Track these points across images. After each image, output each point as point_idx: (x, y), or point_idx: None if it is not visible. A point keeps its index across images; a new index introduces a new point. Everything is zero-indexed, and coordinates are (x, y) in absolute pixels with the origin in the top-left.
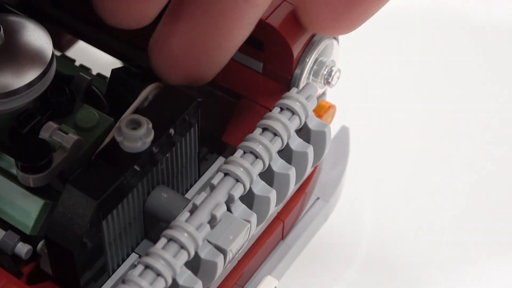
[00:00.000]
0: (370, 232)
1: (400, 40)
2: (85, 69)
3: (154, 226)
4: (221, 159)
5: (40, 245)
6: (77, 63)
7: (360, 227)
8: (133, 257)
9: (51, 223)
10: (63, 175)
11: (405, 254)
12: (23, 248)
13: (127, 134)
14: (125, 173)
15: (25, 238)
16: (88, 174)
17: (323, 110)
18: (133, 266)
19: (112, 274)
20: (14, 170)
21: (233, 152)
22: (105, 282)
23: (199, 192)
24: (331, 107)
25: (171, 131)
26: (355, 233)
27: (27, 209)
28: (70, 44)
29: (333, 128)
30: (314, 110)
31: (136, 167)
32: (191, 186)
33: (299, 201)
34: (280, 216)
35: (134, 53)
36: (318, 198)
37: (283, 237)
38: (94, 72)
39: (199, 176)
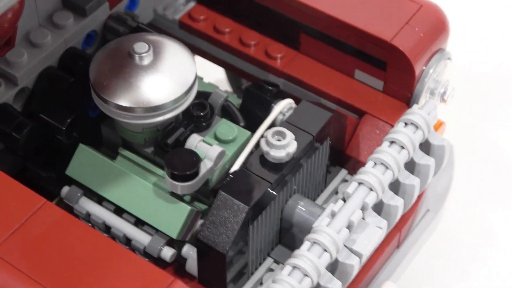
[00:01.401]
0: (472, 241)
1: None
2: (213, 86)
3: (288, 232)
4: (343, 172)
5: (186, 248)
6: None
7: (465, 236)
8: (269, 261)
9: (204, 227)
10: (206, 184)
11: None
12: (168, 252)
13: (274, 145)
14: (271, 182)
15: (169, 242)
16: (238, 182)
17: (434, 126)
18: (270, 269)
19: (251, 276)
20: (158, 179)
21: (355, 166)
22: (244, 284)
23: (326, 200)
24: (442, 124)
25: (311, 143)
26: (460, 243)
27: (175, 215)
28: None
29: None
30: None
31: (280, 176)
32: (318, 195)
33: (414, 212)
34: (397, 226)
35: (257, 72)
36: (428, 210)
37: (398, 246)
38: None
39: (325, 186)
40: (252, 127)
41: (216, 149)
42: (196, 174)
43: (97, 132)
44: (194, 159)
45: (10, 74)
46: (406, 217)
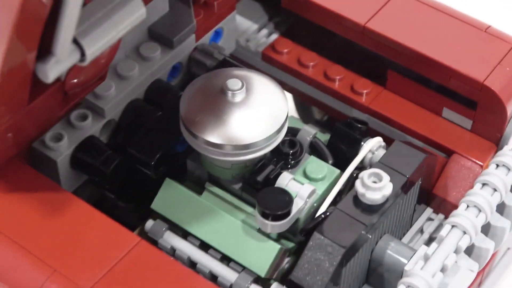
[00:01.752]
0: None
1: None
2: (299, 121)
3: (375, 272)
4: (429, 210)
5: (273, 287)
6: None
7: None
8: None
9: (297, 267)
10: (295, 223)
11: None
12: None
13: (370, 187)
14: (366, 224)
15: (255, 280)
16: (333, 223)
17: None
18: None
19: None
20: (246, 216)
21: (440, 205)
22: None
23: (412, 239)
24: None
25: (405, 185)
26: None
27: (263, 253)
28: None
29: None
30: None
31: (374, 219)
32: (405, 234)
33: (496, 252)
34: None
35: (342, 107)
36: (508, 248)
37: (480, 285)
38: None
39: (411, 225)
40: (339, 164)
41: (308, 188)
42: (288, 214)
43: (183, 167)
44: (287, 198)
45: (98, 107)
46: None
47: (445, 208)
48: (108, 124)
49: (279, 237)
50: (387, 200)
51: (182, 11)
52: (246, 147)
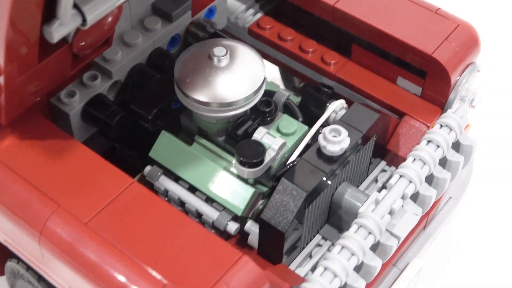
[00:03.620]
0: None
1: None
2: (276, 85)
3: (335, 214)
4: (383, 163)
5: (248, 224)
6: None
7: (483, 221)
8: (318, 237)
9: (267, 208)
10: (268, 170)
11: None
12: (233, 226)
13: (330, 140)
14: (326, 172)
15: (234, 218)
16: (298, 170)
17: None
18: (318, 245)
19: (302, 250)
20: (227, 164)
21: (393, 159)
22: (296, 257)
23: (368, 187)
24: (468, 125)
25: (360, 140)
26: (478, 227)
27: (240, 195)
28: None
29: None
30: None
31: (333, 168)
32: (361, 182)
33: (439, 199)
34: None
35: (313, 74)
36: (450, 197)
37: (425, 227)
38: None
39: (367, 175)
40: (309, 122)
41: (279, 141)
42: (261, 162)
43: (177, 121)
44: (261, 149)
45: (106, 70)
46: (434, 205)
47: (397, 161)
48: (115, 84)
49: (256, 182)
50: (345, 152)
51: None
52: (229, 104)
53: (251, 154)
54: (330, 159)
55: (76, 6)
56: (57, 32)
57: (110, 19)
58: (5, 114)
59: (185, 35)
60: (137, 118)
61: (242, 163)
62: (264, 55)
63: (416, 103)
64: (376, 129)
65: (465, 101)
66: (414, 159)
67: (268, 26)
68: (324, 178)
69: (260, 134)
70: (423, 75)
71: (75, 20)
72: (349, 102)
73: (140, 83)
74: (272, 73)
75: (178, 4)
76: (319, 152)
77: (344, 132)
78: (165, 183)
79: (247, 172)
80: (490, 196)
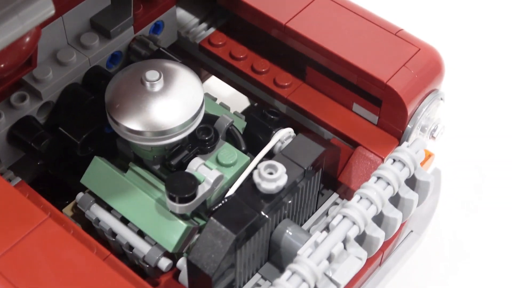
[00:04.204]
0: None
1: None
2: (225, 108)
3: (276, 252)
4: (335, 195)
5: (180, 261)
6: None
7: (444, 258)
8: (257, 276)
9: (195, 249)
10: (204, 204)
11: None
12: (165, 262)
13: (265, 177)
14: (260, 211)
15: (166, 253)
16: (229, 209)
17: (424, 158)
18: (257, 285)
19: None
20: (162, 195)
21: (346, 191)
22: None
23: (316, 222)
24: (431, 155)
25: (301, 175)
26: (439, 264)
27: (172, 230)
28: (205, 79)
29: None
30: None
31: (269, 207)
32: (309, 217)
33: (397, 234)
34: (381, 248)
35: (265, 97)
36: (411, 231)
37: (380, 264)
38: (231, 110)
39: (316, 209)
40: (254, 151)
41: (214, 174)
42: (193, 196)
43: (114, 145)
44: (193, 183)
45: (35, 90)
46: (389, 241)
47: (350, 194)
48: (46, 105)
49: (193, 215)
50: (282, 190)
51: (122, 5)
52: (162, 133)
53: (181, 188)
54: (266, 197)
55: None
56: None
57: (27, 39)
58: None
59: (127, 53)
60: (66, 143)
61: (172, 198)
62: (216, 74)
63: (371, 133)
64: (322, 163)
65: (426, 131)
66: (361, 198)
67: (220, 43)
68: (257, 219)
69: (195, 165)
70: (379, 103)
71: None
72: (302, 129)
73: (73, 105)
74: (227, 91)
75: (118, 20)
76: (254, 189)
77: (281, 169)
78: (97, 212)
79: (178, 207)
80: (457, 226)
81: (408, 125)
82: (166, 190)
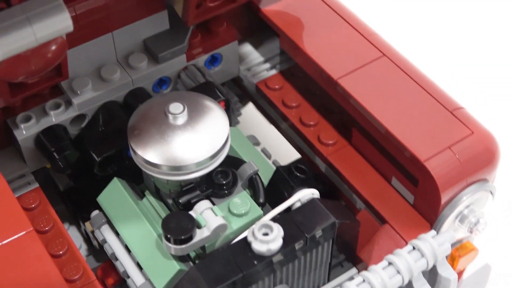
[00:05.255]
0: None
1: None
2: (266, 155)
3: None
4: (354, 270)
5: None
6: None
7: None
8: None
9: None
10: (203, 249)
11: None
12: None
13: (258, 237)
14: (244, 271)
15: None
16: (214, 262)
17: (464, 251)
18: None
19: None
20: None
21: (364, 267)
22: None
23: None
24: (473, 250)
25: (301, 244)
26: None
27: (164, 270)
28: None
29: (476, 264)
30: (456, 249)
31: (258, 268)
32: (318, 287)
33: None
34: None
35: (308, 151)
36: None
37: None
38: (275, 157)
39: (329, 280)
40: (274, 206)
41: (217, 221)
42: (189, 239)
43: (140, 170)
44: (189, 226)
45: (70, 100)
46: None
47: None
48: (81, 118)
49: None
50: (276, 253)
51: (179, 32)
52: (177, 168)
53: (176, 230)
54: (257, 258)
55: None
56: None
57: (53, 47)
58: None
59: (175, 80)
60: (85, 157)
61: (167, 238)
62: (267, 116)
63: (404, 212)
64: (332, 235)
65: (465, 223)
66: (363, 281)
67: (276, 87)
68: (243, 278)
69: (201, 208)
70: (416, 183)
71: None
72: (336, 192)
73: (108, 122)
74: (276, 137)
75: (170, 45)
76: (247, 247)
77: (277, 231)
78: (105, 233)
79: (173, 248)
80: None
81: (443, 213)
82: (162, 229)
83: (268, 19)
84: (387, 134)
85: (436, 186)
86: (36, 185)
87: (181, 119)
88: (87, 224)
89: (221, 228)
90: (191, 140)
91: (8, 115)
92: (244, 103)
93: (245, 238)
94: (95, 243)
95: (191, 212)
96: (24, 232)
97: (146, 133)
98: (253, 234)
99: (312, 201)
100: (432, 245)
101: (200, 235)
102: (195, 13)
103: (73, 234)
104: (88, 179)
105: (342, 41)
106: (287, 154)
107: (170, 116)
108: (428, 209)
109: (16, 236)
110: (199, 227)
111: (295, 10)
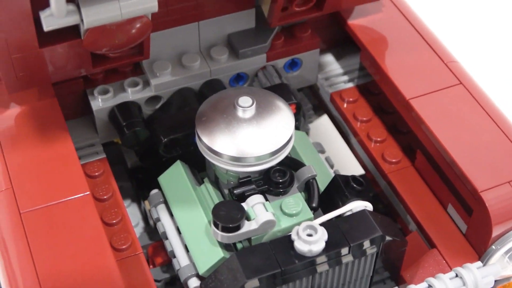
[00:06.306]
0: None
1: None
2: (329, 164)
3: None
4: None
5: (191, 281)
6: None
7: None
8: None
9: (209, 276)
10: (249, 240)
11: None
12: (193, 283)
13: (301, 237)
14: (283, 268)
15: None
16: (255, 253)
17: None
18: None
19: None
20: None
21: None
22: None
23: None
24: None
25: (346, 251)
26: None
27: (209, 255)
28: None
29: None
30: (502, 286)
31: (297, 267)
32: None
33: None
34: None
35: (370, 166)
36: None
37: None
38: (337, 168)
39: None
40: (327, 211)
41: (266, 216)
42: (237, 228)
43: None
44: (239, 216)
45: (149, 80)
46: None
47: None
48: (157, 99)
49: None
50: (317, 255)
51: (264, 31)
52: (236, 159)
53: (225, 217)
54: (298, 257)
55: (78, 4)
56: (48, 21)
57: (138, 25)
58: (5, 84)
59: (252, 77)
60: (153, 137)
61: (215, 224)
62: (338, 128)
63: (454, 240)
64: (378, 248)
65: None
66: None
67: (350, 99)
68: (277, 274)
69: (253, 202)
70: (471, 212)
71: (71, 17)
72: (391, 210)
73: (181, 107)
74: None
75: (252, 43)
76: (290, 244)
77: (321, 234)
78: (160, 212)
79: (220, 235)
80: None
81: (493, 246)
82: (212, 214)
83: (353, 32)
84: (450, 161)
85: (489, 218)
86: (103, 155)
87: (249, 113)
88: (146, 202)
89: (269, 224)
90: (255, 134)
91: (88, 86)
92: (319, 114)
93: (289, 236)
94: (151, 222)
95: (243, 204)
96: (81, 195)
97: (213, 121)
98: (297, 233)
99: (362, 212)
100: (476, 275)
101: (247, 227)
102: (279, 15)
103: (133, 211)
104: (154, 160)
105: (421, 63)
106: (351, 168)
107: (239, 109)
108: (479, 240)
109: (72, 197)
110: (248, 219)
111: (380, 27)
